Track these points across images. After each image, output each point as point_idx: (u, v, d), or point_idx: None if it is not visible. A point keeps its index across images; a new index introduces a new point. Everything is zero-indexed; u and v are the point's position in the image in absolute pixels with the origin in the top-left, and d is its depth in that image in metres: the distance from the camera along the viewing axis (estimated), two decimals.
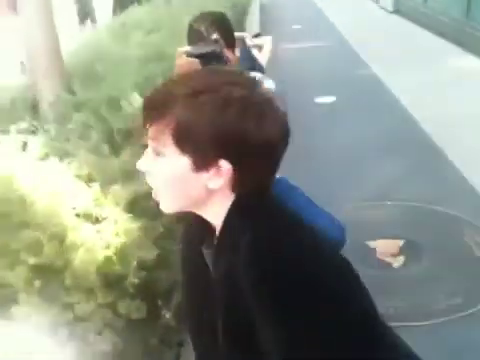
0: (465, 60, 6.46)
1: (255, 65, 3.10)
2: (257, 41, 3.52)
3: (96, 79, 3.07)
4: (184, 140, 0.79)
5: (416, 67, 6.17)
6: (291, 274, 0.75)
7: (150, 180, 0.84)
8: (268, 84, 2.74)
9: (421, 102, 5.07)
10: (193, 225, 0.96)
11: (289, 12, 11.98)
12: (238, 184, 0.82)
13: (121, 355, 1.37)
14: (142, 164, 0.84)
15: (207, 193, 0.83)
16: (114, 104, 2.74)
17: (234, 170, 0.80)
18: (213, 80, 0.83)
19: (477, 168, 3.69)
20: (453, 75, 5.82)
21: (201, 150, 0.79)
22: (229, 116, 0.78)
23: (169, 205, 0.85)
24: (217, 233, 0.88)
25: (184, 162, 0.80)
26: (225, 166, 0.80)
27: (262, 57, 3.55)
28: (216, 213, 0.85)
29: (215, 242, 0.89)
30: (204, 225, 0.89)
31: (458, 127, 4.45)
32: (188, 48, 2.13)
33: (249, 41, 3.36)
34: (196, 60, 2.08)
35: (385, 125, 4.63)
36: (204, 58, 2.08)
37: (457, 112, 4.78)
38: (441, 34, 7.59)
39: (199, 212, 0.87)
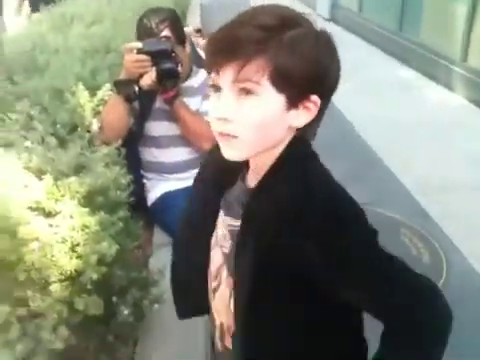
0: (398, 70, 6.77)
1: (201, 62, 3.10)
2: (201, 40, 3.53)
3: (38, 70, 2.96)
4: (283, 78, 0.77)
5: (350, 75, 6.39)
6: (357, 229, 0.80)
7: (230, 127, 0.80)
8: None
9: (356, 108, 5.26)
10: (209, 166, 0.95)
11: (229, 12, 12.00)
12: (308, 124, 0.83)
13: (76, 352, 1.33)
14: (222, 109, 0.79)
15: (286, 133, 0.83)
16: (58, 96, 2.65)
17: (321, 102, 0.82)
18: (288, 14, 0.82)
19: (411, 172, 3.88)
20: (387, 84, 6.08)
21: (298, 86, 0.79)
22: (321, 51, 0.80)
23: (247, 150, 0.82)
24: (255, 174, 0.87)
25: (279, 100, 0.79)
26: (317, 101, 0.81)
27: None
28: (273, 155, 0.84)
29: (247, 183, 0.89)
30: (225, 167, 0.88)
31: (393, 133, 4.66)
32: (139, 44, 2.09)
33: (193, 38, 3.36)
34: (146, 57, 2.05)
35: (322, 129, 4.76)
36: (156, 55, 2.06)
37: (391, 118, 5.00)
38: (375, 44, 7.89)
39: (263, 156, 0.84)
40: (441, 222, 3.27)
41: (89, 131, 2.39)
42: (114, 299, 1.41)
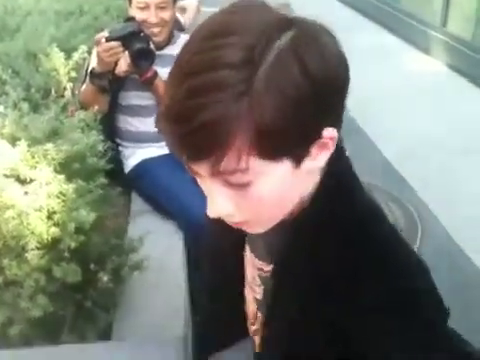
0: (379, 35, 6.73)
1: (180, 26, 3.04)
2: (181, 4, 3.44)
3: (9, 33, 2.86)
4: (272, 144, 0.56)
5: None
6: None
7: (237, 219, 0.64)
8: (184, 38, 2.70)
9: None
10: None
11: None
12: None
13: (54, 318, 1.33)
14: (216, 210, 0.62)
15: (309, 179, 0.66)
16: (31, 59, 2.57)
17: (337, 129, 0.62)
18: (256, 25, 0.56)
19: (390, 139, 3.91)
20: (367, 49, 6.04)
21: (300, 136, 0.57)
22: (327, 63, 0.58)
23: (271, 223, 0.67)
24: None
25: (282, 168, 0.59)
26: (332, 134, 0.61)
27: (186, 19, 3.47)
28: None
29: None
30: None
31: (372, 100, 4.67)
32: (105, 33, 2.07)
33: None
34: (117, 43, 2.02)
35: None
36: (125, 39, 2.03)
37: (371, 84, 4.99)
38: (357, 9, 7.82)
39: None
40: (418, 188, 3.31)
41: (63, 96, 2.34)
42: (92, 266, 1.41)
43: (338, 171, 0.68)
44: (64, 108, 2.22)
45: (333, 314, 0.64)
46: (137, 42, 2.04)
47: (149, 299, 1.63)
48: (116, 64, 2.08)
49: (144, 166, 2.27)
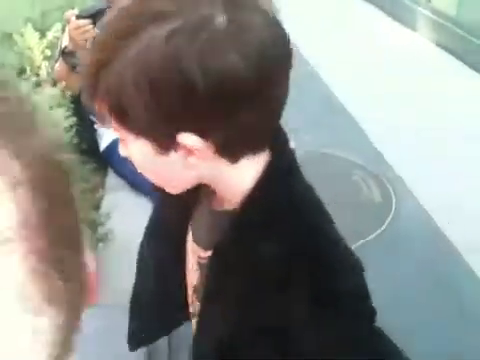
0: (364, 10, 6.70)
1: None
2: None
3: None
4: (125, 119, 0.61)
5: (314, 13, 6.32)
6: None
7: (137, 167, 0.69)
8: None
9: (318, 50, 5.22)
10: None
11: None
12: (229, 154, 0.64)
13: None
14: (120, 150, 0.69)
15: (209, 167, 0.65)
16: (6, 38, 2.59)
17: (206, 140, 0.60)
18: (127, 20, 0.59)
19: (371, 117, 3.93)
20: (352, 24, 6.03)
21: (150, 128, 0.59)
22: (168, 66, 0.56)
23: (169, 189, 0.71)
24: (221, 198, 0.72)
25: (143, 146, 0.62)
26: (189, 140, 0.59)
27: None
28: (232, 188, 0.69)
29: (213, 204, 0.74)
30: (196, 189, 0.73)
31: (356, 77, 4.68)
32: (75, 11, 2.08)
33: None
34: (87, 20, 2.04)
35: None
36: (95, 16, 2.04)
37: (355, 60, 5.00)
38: None
39: (216, 184, 0.70)
40: (395, 165, 3.36)
41: (38, 74, 2.37)
42: None
43: (276, 167, 0.68)
44: (38, 85, 2.25)
45: (263, 304, 0.66)
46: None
47: (119, 267, 1.69)
48: (87, 41, 2.10)
49: (117, 145, 2.31)
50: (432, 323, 2.20)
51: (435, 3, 5.59)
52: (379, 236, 2.71)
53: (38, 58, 2.44)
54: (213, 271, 0.73)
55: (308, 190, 0.72)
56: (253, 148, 0.65)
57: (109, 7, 2.10)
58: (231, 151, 0.63)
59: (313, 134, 3.49)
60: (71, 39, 2.10)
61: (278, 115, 0.66)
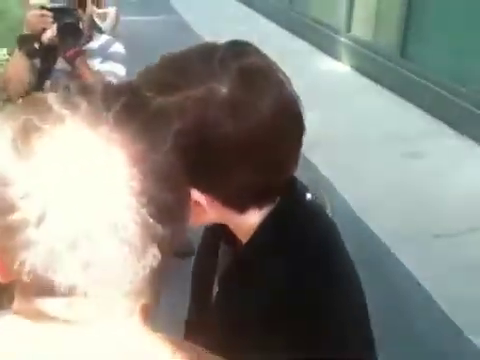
0: (290, 41, 7.15)
1: (97, 28, 3.20)
2: (101, 11, 3.60)
3: None
4: None
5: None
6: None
7: None
8: (117, 48, 2.90)
9: None
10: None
11: None
12: (235, 207, 0.71)
13: None
14: None
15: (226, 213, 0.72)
16: None
17: (208, 195, 0.68)
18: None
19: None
20: (279, 53, 6.40)
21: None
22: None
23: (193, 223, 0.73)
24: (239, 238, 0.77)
25: None
26: (196, 196, 0.67)
27: (106, 25, 3.64)
28: (243, 230, 0.75)
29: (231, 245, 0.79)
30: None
31: None
32: (43, 0, 2.19)
33: (94, 8, 3.43)
34: (49, 12, 2.16)
35: None
36: (58, 12, 2.16)
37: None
38: (269, 17, 8.24)
39: (233, 223, 0.76)
40: (327, 174, 3.67)
41: None
42: None
43: (277, 215, 0.73)
44: None
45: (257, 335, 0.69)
46: (68, 17, 2.16)
47: None
48: (44, 31, 2.18)
49: None
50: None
51: (354, 31, 6.08)
52: None
53: None
54: (219, 294, 0.81)
55: (314, 231, 0.75)
56: (257, 202, 0.71)
57: (75, 9, 2.23)
58: (235, 205, 0.70)
59: None
60: (29, 24, 2.16)
61: (277, 176, 0.71)
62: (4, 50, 2.64)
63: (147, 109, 0.48)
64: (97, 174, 0.43)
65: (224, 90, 0.63)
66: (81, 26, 2.23)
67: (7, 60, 2.46)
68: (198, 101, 0.62)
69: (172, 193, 0.46)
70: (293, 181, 0.78)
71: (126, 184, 0.44)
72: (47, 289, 0.43)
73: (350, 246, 2.96)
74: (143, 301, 0.49)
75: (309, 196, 0.80)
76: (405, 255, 2.86)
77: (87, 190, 0.43)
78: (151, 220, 0.44)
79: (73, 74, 2.34)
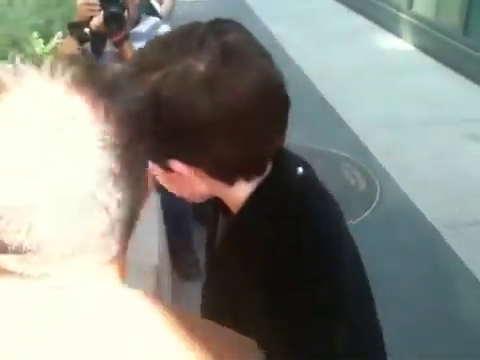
0: (350, 18, 6.96)
1: (154, 12, 3.26)
2: None
3: None
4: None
5: (305, 22, 6.57)
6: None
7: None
8: (165, 29, 2.96)
9: (308, 56, 5.46)
10: None
11: None
12: (221, 178, 0.73)
13: None
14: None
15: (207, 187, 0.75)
16: (15, 45, 2.79)
17: (191, 166, 0.70)
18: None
19: (356, 114, 4.15)
20: (338, 31, 6.26)
21: (150, 154, 0.61)
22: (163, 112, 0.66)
23: (188, 198, 0.80)
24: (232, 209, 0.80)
25: (152, 164, 0.72)
26: (177, 166, 0.70)
27: (163, 8, 3.70)
28: (234, 201, 0.78)
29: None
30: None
31: (342, 79, 4.91)
32: None
33: None
34: (96, 2, 2.24)
35: None
36: (104, 1, 2.24)
37: (342, 65, 5.23)
38: None
39: (224, 196, 0.79)
40: (379, 157, 3.58)
41: None
42: None
43: (265, 186, 0.75)
44: None
45: (251, 299, 0.73)
46: (113, 6, 2.26)
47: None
48: (92, 19, 2.29)
49: None
50: (415, 291, 2.43)
51: (416, 8, 5.85)
52: (365, 219, 2.94)
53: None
54: (212, 261, 0.88)
55: (302, 202, 0.77)
56: (243, 175, 0.73)
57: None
58: (221, 177, 0.73)
59: (305, 132, 3.70)
60: (78, 12, 2.30)
61: (259, 149, 0.72)
62: (60, 34, 2.75)
63: (98, 80, 0.49)
64: (44, 140, 0.45)
65: (201, 66, 0.66)
66: (126, 14, 2.30)
67: (61, 44, 2.57)
68: (176, 77, 0.65)
69: (122, 162, 0.48)
70: (282, 155, 0.79)
71: (73, 149, 0.45)
72: (2, 247, 0.46)
73: (401, 229, 2.94)
74: (109, 256, 0.51)
75: (301, 170, 0.81)
76: (456, 241, 2.77)
77: (32, 156, 0.44)
78: (102, 186, 0.47)
79: (121, 56, 2.41)
